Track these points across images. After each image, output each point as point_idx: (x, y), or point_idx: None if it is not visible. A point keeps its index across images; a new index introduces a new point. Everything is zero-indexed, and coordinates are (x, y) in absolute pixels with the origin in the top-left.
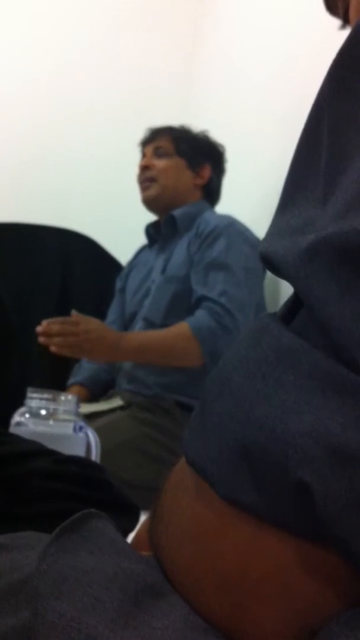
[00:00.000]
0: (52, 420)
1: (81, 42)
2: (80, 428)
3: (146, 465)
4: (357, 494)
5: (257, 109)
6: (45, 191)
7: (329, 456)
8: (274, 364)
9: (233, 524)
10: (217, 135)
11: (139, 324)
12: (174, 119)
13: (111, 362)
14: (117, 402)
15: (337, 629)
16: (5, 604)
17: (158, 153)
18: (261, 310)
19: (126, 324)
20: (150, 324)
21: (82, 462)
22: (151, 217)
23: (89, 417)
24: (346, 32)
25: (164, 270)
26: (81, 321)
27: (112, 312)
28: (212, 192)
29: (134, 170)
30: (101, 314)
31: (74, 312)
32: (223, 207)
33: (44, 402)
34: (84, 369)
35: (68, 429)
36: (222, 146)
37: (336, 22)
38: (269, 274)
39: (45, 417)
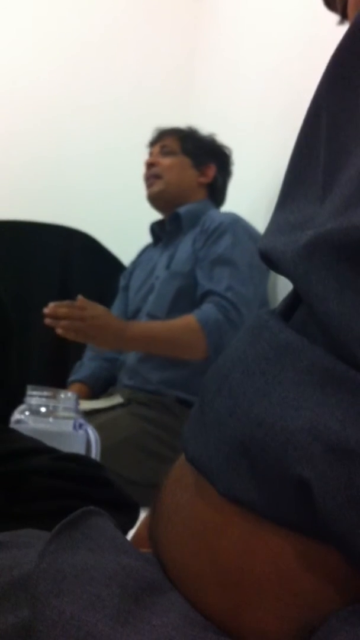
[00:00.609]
0: (52, 417)
1: (82, 41)
2: (80, 425)
3: (146, 462)
4: (357, 490)
5: (257, 105)
6: (45, 188)
7: (328, 453)
8: (273, 360)
9: (232, 520)
10: (217, 131)
11: (142, 319)
12: (174, 116)
13: (116, 350)
14: (117, 399)
15: (337, 625)
16: (5, 602)
17: (164, 151)
18: (264, 306)
19: (129, 320)
20: (154, 319)
21: (81, 460)
22: (150, 213)
23: (89, 415)
24: (345, 28)
25: (168, 266)
26: (88, 307)
27: (115, 310)
28: (216, 192)
29: (135, 168)
30: None
31: (80, 297)
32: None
33: (43, 400)
34: (85, 367)
35: (68, 426)
36: (228, 149)
37: (335, 18)
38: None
39: (45, 415)
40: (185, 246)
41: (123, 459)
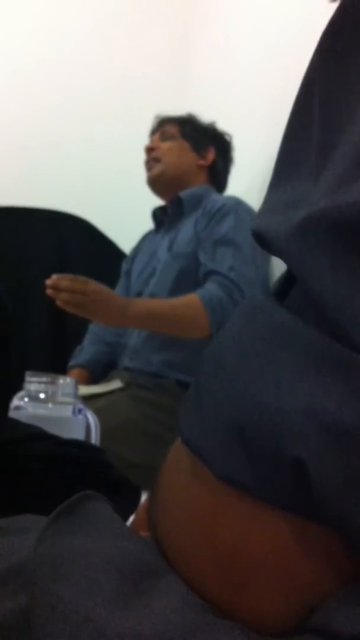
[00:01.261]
0: (51, 403)
1: (78, 27)
2: (80, 410)
3: (146, 444)
4: (353, 470)
5: (252, 89)
6: (41, 174)
7: (324, 433)
8: (267, 341)
9: (229, 502)
10: (212, 115)
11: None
12: (170, 100)
13: (118, 329)
14: (116, 384)
15: (336, 606)
16: (4, 588)
17: (163, 137)
18: (266, 284)
19: None
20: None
21: (81, 445)
22: (147, 199)
23: (88, 399)
24: (335, 6)
25: (170, 248)
26: (91, 282)
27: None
28: (217, 176)
29: (131, 153)
30: None
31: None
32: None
33: (42, 386)
34: (85, 351)
35: (67, 411)
36: (229, 135)
37: None
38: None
39: (44, 401)
40: (187, 228)
41: (123, 441)
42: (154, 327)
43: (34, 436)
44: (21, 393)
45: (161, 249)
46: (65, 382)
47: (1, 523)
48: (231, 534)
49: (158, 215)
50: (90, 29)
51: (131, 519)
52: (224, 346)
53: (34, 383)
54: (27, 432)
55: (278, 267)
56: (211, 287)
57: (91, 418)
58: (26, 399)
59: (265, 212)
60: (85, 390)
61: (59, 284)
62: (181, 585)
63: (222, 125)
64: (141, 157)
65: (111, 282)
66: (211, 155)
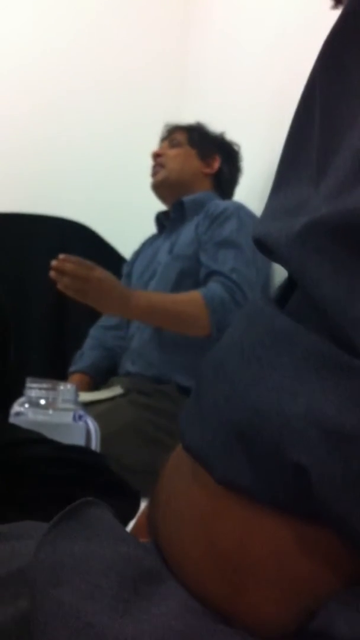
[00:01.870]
0: (51, 409)
1: (77, 29)
2: (80, 417)
3: (147, 449)
4: (354, 474)
5: (252, 88)
6: (43, 180)
7: (324, 438)
8: (268, 346)
9: (229, 506)
10: (212, 116)
11: None
12: (171, 108)
13: (118, 316)
14: (117, 390)
15: (336, 610)
16: (5, 593)
17: (172, 144)
18: (267, 287)
19: None
20: None
21: (81, 451)
22: (149, 205)
23: (89, 406)
24: (338, 12)
25: (171, 251)
26: (97, 269)
27: None
28: (222, 184)
29: (134, 159)
30: None
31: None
32: None
33: (43, 392)
34: (86, 357)
35: (68, 417)
36: (237, 145)
37: (328, 2)
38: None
39: (45, 407)
40: (188, 231)
41: (123, 447)
42: (154, 321)
43: (34, 441)
44: (22, 399)
45: (162, 252)
46: (65, 388)
47: (1, 529)
48: (232, 539)
49: (161, 219)
50: (89, 31)
51: (131, 524)
52: (224, 351)
53: (35, 389)
54: (27, 437)
55: (279, 270)
56: (214, 287)
57: (91, 424)
58: (27, 405)
59: (266, 218)
60: (85, 396)
61: (64, 266)
62: (181, 591)
63: (222, 129)
64: (143, 164)
65: None
66: (217, 163)
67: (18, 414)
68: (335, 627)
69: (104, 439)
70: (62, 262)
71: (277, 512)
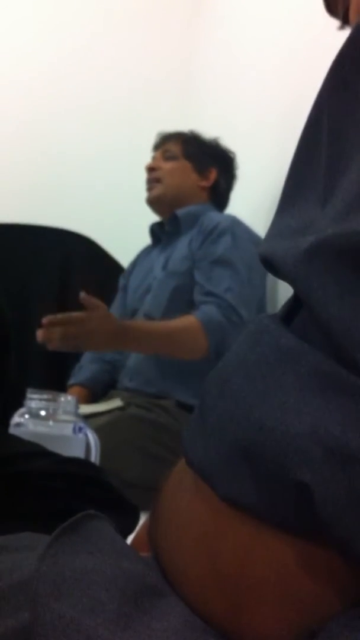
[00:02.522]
0: (51, 421)
1: (78, 40)
2: (80, 429)
3: (146, 464)
4: (357, 494)
5: (257, 107)
6: (44, 191)
7: (328, 457)
8: (273, 364)
9: (232, 524)
10: (216, 133)
11: (139, 319)
12: (173, 117)
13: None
14: (116, 402)
15: (337, 630)
16: (5, 605)
17: (166, 156)
18: (262, 306)
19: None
20: (150, 319)
21: (81, 464)
22: (151, 216)
23: (88, 418)
24: (346, 33)
25: (165, 267)
26: (85, 319)
27: (114, 310)
28: (218, 196)
29: (135, 171)
30: None
31: (83, 294)
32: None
33: (43, 403)
34: (85, 369)
35: (68, 429)
36: (232, 152)
37: (336, 23)
38: (270, 275)
39: (45, 418)
40: (182, 246)
41: (122, 461)
42: (152, 350)
43: (34, 454)
44: (22, 410)
45: (157, 267)
46: (66, 399)
47: (2, 541)
48: (234, 556)
49: (156, 231)
50: (93, 46)
51: (130, 538)
52: (229, 369)
53: (35, 400)
54: (27, 449)
55: (283, 285)
56: (209, 310)
57: (91, 436)
58: (27, 416)
59: (273, 237)
60: (85, 408)
61: (54, 319)
62: (183, 607)
63: (226, 141)
64: (146, 176)
65: (114, 299)
66: (213, 175)
67: (18, 424)
68: None
69: (103, 453)
70: (51, 318)
71: (280, 531)
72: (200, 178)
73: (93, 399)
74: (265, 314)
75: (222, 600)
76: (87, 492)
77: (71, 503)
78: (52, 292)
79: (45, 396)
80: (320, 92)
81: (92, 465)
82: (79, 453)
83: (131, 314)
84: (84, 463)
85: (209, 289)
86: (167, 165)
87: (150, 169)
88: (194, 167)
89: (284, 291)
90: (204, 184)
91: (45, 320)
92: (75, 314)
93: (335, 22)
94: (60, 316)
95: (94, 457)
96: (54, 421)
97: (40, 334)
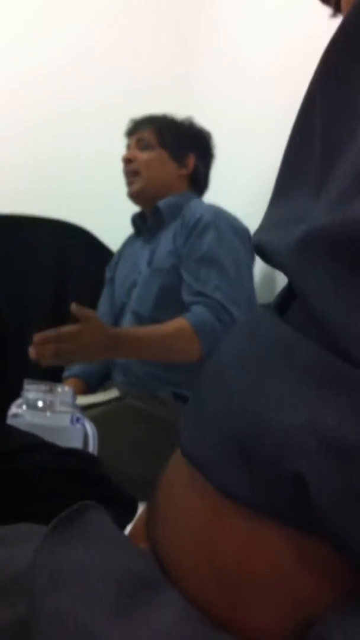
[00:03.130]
0: (49, 412)
1: (79, 37)
2: (78, 419)
3: (143, 455)
4: (352, 486)
5: (257, 102)
6: (41, 183)
7: (324, 449)
8: (268, 356)
9: (228, 516)
10: (216, 129)
11: (127, 316)
12: (168, 109)
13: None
14: (113, 393)
15: (333, 622)
16: (3, 598)
17: (141, 145)
18: (252, 301)
19: (116, 315)
20: (139, 317)
21: (79, 455)
22: None
23: (86, 409)
24: (338, 21)
25: (150, 263)
26: (76, 334)
27: (103, 304)
28: (198, 182)
29: None
30: (97, 306)
31: (74, 306)
32: (221, 200)
33: (40, 394)
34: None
35: (65, 420)
36: (207, 132)
37: (328, 11)
38: (262, 265)
39: (42, 409)
40: (166, 241)
41: (119, 453)
42: (145, 357)
43: (31, 445)
44: (19, 401)
45: (142, 261)
46: (63, 390)
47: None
48: (230, 548)
49: (137, 222)
50: (92, 40)
51: (127, 530)
52: (224, 361)
53: (32, 391)
54: (25, 441)
55: (279, 277)
56: (200, 311)
57: (89, 427)
58: (24, 407)
59: (267, 226)
60: (82, 399)
61: (44, 336)
62: (179, 598)
63: (225, 138)
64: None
65: None
66: (192, 162)
67: (15, 415)
68: (332, 637)
69: (100, 444)
70: (41, 336)
71: (276, 524)
72: (179, 166)
73: (88, 390)
74: (260, 304)
75: (218, 592)
76: (84, 483)
77: (68, 495)
78: (48, 284)
79: (42, 387)
80: (312, 82)
81: (89, 456)
82: (77, 444)
83: (120, 308)
84: (82, 454)
85: (197, 288)
86: (144, 156)
87: (127, 161)
88: (171, 155)
89: (281, 282)
90: (184, 172)
91: (36, 338)
92: (66, 330)
93: (327, 11)
94: (51, 333)
95: (92, 448)
96: (52, 412)
97: (32, 351)
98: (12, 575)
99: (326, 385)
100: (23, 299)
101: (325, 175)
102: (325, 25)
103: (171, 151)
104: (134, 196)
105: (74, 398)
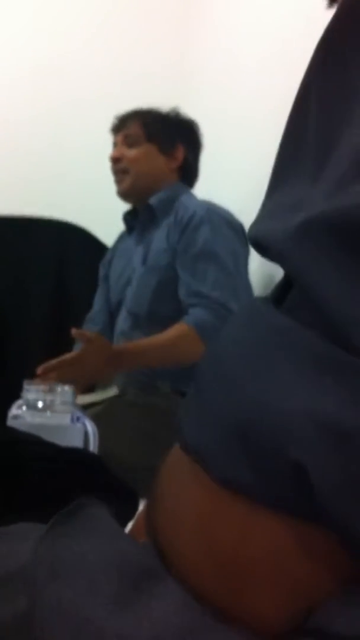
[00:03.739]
0: (49, 411)
1: (75, 29)
2: (78, 418)
3: (144, 449)
4: (352, 473)
5: (252, 93)
6: (41, 183)
7: (324, 435)
8: (267, 344)
9: (228, 505)
10: (211, 121)
11: (123, 314)
12: (167, 107)
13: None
14: (113, 391)
15: (335, 608)
16: (4, 591)
17: (128, 142)
18: (250, 293)
19: (112, 312)
20: (135, 316)
21: (79, 453)
22: None
23: (86, 408)
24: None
25: (144, 261)
26: (79, 359)
27: (97, 302)
28: (188, 173)
29: None
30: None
31: (74, 331)
32: (217, 194)
33: (40, 394)
34: None
35: (65, 419)
36: (194, 122)
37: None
38: (257, 257)
39: (42, 409)
40: (160, 239)
41: (120, 448)
42: (152, 365)
43: (32, 445)
44: (19, 402)
45: (136, 258)
46: (63, 390)
47: (0, 530)
48: (230, 537)
49: (128, 219)
50: (90, 36)
51: (129, 525)
52: (223, 350)
53: (32, 391)
54: (25, 439)
55: (279, 271)
56: (201, 314)
57: (89, 426)
58: (24, 408)
59: (263, 218)
60: (82, 398)
61: (49, 365)
62: (180, 588)
63: (222, 130)
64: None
65: None
66: (180, 153)
67: (16, 416)
68: (334, 626)
69: (101, 442)
70: (45, 367)
71: (276, 512)
72: (168, 159)
73: (88, 388)
74: (257, 296)
75: (218, 581)
76: (85, 480)
77: (69, 492)
78: (48, 284)
79: (42, 387)
80: (308, 68)
81: (91, 454)
82: (78, 443)
83: (116, 306)
84: (82, 453)
85: (195, 288)
86: (132, 153)
87: (115, 160)
88: (160, 148)
89: (278, 279)
90: (173, 164)
91: (40, 370)
92: (69, 356)
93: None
94: (54, 362)
95: (93, 446)
96: (52, 412)
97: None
98: (12, 569)
99: (325, 372)
100: (22, 298)
101: (322, 161)
102: (320, 11)
103: (159, 144)
104: (124, 194)
105: (74, 397)
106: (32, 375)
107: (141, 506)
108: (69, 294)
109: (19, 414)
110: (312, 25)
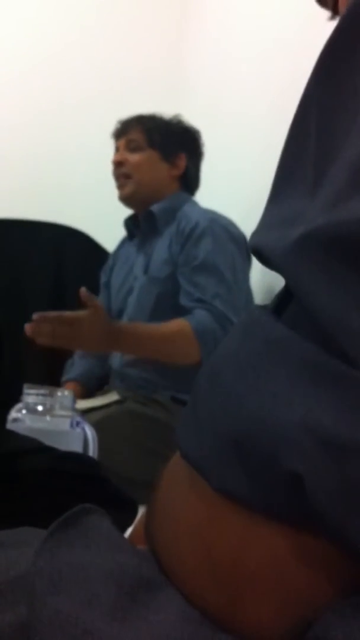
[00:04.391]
0: (49, 416)
1: (75, 37)
2: (78, 423)
3: (143, 458)
4: (348, 484)
5: (249, 96)
6: (40, 187)
7: (320, 447)
8: (264, 356)
9: (226, 515)
10: (207, 124)
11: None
12: (164, 108)
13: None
14: (113, 396)
15: (333, 620)
16: (2, 601)
17: (130, 147)
18: (249, 304)
19: None
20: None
21: (79, 459)
22: None
23: (85, 413)
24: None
25: (146, 270)
26: (77, 320)
27: None
28: (190, 181)
29: None
30: None
31: (83, 290)
32: (214, 199)
33: (40, 398)
34: (77, 365)
35: (65, 424)
36: (196, 130)
37: (325, 14)
38: (259, 268)
39: (42, 413)
40: (161, 248)
41: (119, 455)
42: (144, 354)
43: (31, 449)
44: (19, 405)
45: (137, 267)
46: (63, 394)
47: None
48: (228, 547)
49: (130, 225)
50: (87, 38)
51: (128, 532)
52: (221, 361)
53: (32, 395)
54: (25, 445)
55: (279, 279)
56: (202, 316)
57: (89, 431)
58: (24, 412)
59: (263, 228)
60: (82, 403)
61: (45, 316)
62: (179, 599)
63: (218, 132)
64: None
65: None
66: (182, 161)
67: (15, 420)
68: (331, 637)
69: (100, 448)
70: (42, 314)
71: (274, 522)
72: (170, 167)
73: (87, 394)
74: (256, 306)
75: (217, 591)
76: (84, 487)
77: (69, 498)
78: (47, 287)
79: (42, 391)
80: (309, 81)
81: (90, 460)
82: (77, 447)
83: (117, 314)
84: (82, 458)
85: (198, 296)
86: (134, 158)
87: (117, 164)
88: (162, 156)
89: (279, 287)
90: (175, 172)
91: (35, 315)
92: (67, 314)
93: (325, 13)
94: (52, 313)
95: (92, 452)
96: (51, 416)
97: (28, 327)
98: (12, 578)
99: (321, 384)
100: (21, 302)
101: (321, 174)
102: (317, 12)
103: (161, 151)
104: (126, 200)
105: (74, 402)
106: (29, 378)
107: (140, 513)
108: (69, 298)
109: (19, 418)
110: (309, 28)
